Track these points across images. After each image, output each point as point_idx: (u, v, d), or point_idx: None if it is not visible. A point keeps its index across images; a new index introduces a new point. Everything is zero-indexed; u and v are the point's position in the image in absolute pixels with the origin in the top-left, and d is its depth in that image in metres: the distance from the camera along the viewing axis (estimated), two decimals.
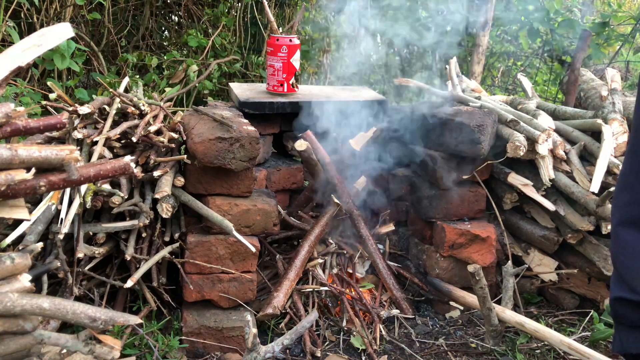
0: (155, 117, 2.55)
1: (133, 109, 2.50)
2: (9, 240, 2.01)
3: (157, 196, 2.28)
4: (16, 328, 1.45)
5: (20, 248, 1.96)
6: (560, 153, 2.64)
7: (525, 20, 4.17)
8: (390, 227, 2.92)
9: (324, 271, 2.70)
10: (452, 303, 2.70)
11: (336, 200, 2.74)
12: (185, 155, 2.43)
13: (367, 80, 4.42)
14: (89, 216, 2.33)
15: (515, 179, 2.73)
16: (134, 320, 1.54)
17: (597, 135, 2.67)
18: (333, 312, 2.62)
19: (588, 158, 2.69)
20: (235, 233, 2.30)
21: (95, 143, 2.33)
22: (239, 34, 4.46)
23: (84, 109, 2.34)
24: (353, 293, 2.62)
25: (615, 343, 1.10)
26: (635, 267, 1.03)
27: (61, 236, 2.12)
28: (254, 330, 1.96)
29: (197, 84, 3.86)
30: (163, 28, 4.73)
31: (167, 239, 2.40)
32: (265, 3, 3.09)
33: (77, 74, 3.59)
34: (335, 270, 2.73)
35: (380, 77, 4.56)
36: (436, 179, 2.71)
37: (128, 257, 2.27)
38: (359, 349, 2.42)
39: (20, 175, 1.38)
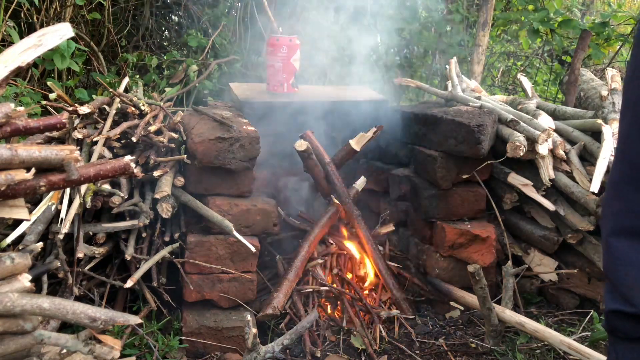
0: (155, 117, 2.55)
1: (133, 109, 2.50)
2: (9, 240, 2.02)
3: (157, 196, 2.28)
4: (16, 328, 1.45)
5: (20, 248, 1.96)
6: (560, 153, 2.64)
7: (525, 20, 4.17)
8: (390, 227, 2.92)
9: (324, 271, 2.70)
10: (452, 303, 2.70)
11: (336, 201, 2.74)
12: (185, 155, 2.43)
13: (367, 80, 4.41)
14: (89, 216, 2.33)
15: (515, 179, 2.74)
16: (134, 320, 1.54)
17: (597, 135, 2.67)
18: (333, 312, 2.61)
19: (588, 158, 2.69)
20: (235, 233, 2.30)
21: (95, 143, 2.34)
22: (239, 34, 4.46)
23: (84, 109, 2.35)
24: (353, 293, 2.62)
25: (610, 357, 1.08)
26: (630, 277, 1.00)
27: (61, 236, 2.13)
28: (254, 330, 1.96)
29: (197, 84, 3.86)
30: (163, 28, 4.72)
31: (167, 239, 2.41)
32: (265, 3, 3.09)
33: (77, 74, 3.59)
34: (335, 271, 2.73)
35: (380, 77, 4.55)
36: (436, 179, 2.71)
37: (128, 257, 2.28)
38: (359, 349, 2.42)
39: (20, 175, 1.37)
